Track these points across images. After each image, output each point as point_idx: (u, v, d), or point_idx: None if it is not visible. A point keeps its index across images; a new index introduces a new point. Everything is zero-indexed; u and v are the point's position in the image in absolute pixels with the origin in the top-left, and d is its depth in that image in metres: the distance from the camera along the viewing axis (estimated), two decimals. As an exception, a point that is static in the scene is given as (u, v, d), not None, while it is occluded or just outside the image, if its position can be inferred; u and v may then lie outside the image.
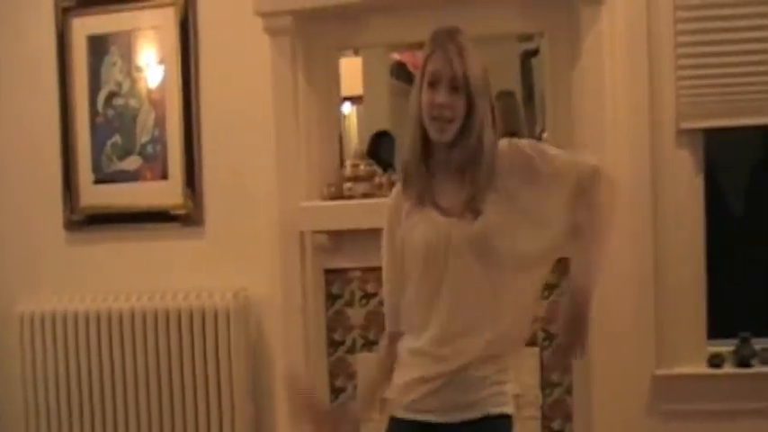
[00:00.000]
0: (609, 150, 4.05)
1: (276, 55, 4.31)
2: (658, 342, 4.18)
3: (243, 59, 4.55)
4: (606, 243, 2.52)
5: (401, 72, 4.51)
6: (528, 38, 4.34)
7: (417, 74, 2.54)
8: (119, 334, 4.58)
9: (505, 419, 2.56)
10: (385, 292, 2.74)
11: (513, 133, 4.26)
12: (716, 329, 4.25)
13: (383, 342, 2.75)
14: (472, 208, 2.47)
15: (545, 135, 4.16)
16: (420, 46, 4.39)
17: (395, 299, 2.67)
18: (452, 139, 2.50)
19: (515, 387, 2.67)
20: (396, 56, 4.56)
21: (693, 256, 4.18)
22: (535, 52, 4.32)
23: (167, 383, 4.52)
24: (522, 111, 4.40)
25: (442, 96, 2.46)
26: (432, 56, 2.50)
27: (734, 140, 4.39)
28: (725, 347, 4.22)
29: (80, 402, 4.63)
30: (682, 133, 4.14)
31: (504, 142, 2.56)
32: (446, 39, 2.51)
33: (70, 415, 4.64)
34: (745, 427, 4.14)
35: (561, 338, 2.54)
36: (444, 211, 2.51)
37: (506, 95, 4.38)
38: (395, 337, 2.67)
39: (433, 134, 2.50)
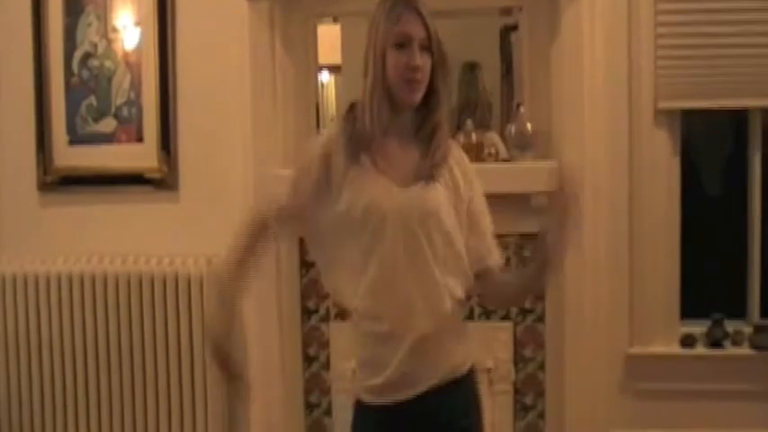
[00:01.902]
0: (587, 127, 4.06)
1: (254, 20, 4.29)
2: (632, 321, 4.21)
3: (220, 24, 4.47)
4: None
5: (380, 41, 4.47)
6: (508, 12, 4.31)
7: (375, 34, 2.50)
8: (91, 297, 4.53)
9: (471, 373, 2.63)
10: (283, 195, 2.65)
11: (474, 104, 4.32)
12: (689, 310, 4.28)
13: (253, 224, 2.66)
14: (428, 175, 2.48)
15: (522, 109, 4.16)
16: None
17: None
18: (415, 112, 2.52)
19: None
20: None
21: (668, 236, 4.19)
22: (515, 27, 4.30)
23: (139, 348, 4.48)
24: (483, 83, 4.39)
25: (417, 58, 2.45)
26: (400, 17, 2.47)
27: (709, 121, 4.39)
28: (698, 328, 4.25)
29: (51, 364, 4.59)
30: (660, 113, 4.13)
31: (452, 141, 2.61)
32: (410, 0, 2.50)
33: (41, 377, 4.61)
34: (716, 408, 4.18)
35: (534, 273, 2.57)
36: (398, 181, 2.48)
37: (471, 67, 4.38)
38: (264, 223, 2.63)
39: (405, 96, 2.48)
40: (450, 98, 2.61)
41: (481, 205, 2.63)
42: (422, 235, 2.45)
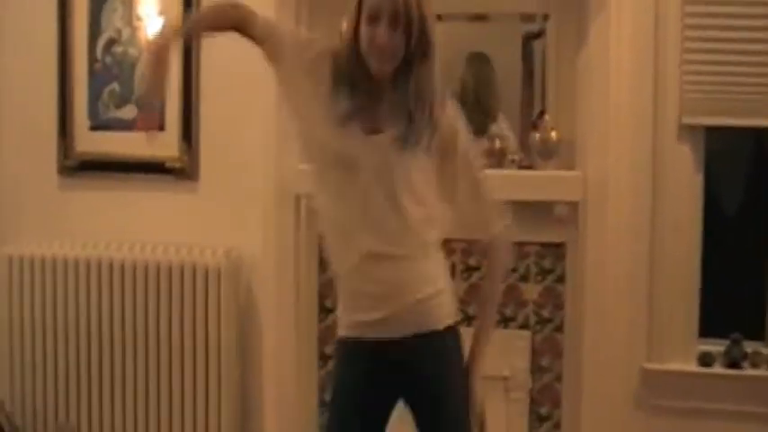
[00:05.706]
0: (611, 138, 4.02)
1: (280, 14, 4.23)
2: (650, 336, 4.16)
3: (246, 15, 4.44)
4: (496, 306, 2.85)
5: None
6: (530, 19, 4.25)
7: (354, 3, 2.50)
8: (108, 283, 4.52)
9: (451, 331, 2.67)
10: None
11: (482, 100, 4.26)
12: (708, 329, 4.23)
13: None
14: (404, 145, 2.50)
15: (546, 117, 4.11)
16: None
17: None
18: (392, 76, 2.50)
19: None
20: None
21: (689, 253, 4.14)
22: (537, 35, 4.24)
23: (155, 337, 4.47)
24: (495, 76, 4.32)
25: (381, 35, 2.43)
26: None
27: (731, 139, 4.33)
28: (716, 347, 4.20)
29: (66, 349, 4.59)
30: (683, 128, 4.07)
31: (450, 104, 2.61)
32: None
33: (56, 361, 4.61)
34: (730, 428, 4.13)
35: None
36: (367, 130, 2.52)
37: (478, 58, 4.32)
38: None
39: (373, 66, 2.48)
40: (445, 84, 2.59)
41: (476, 170, 2.65)
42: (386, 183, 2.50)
